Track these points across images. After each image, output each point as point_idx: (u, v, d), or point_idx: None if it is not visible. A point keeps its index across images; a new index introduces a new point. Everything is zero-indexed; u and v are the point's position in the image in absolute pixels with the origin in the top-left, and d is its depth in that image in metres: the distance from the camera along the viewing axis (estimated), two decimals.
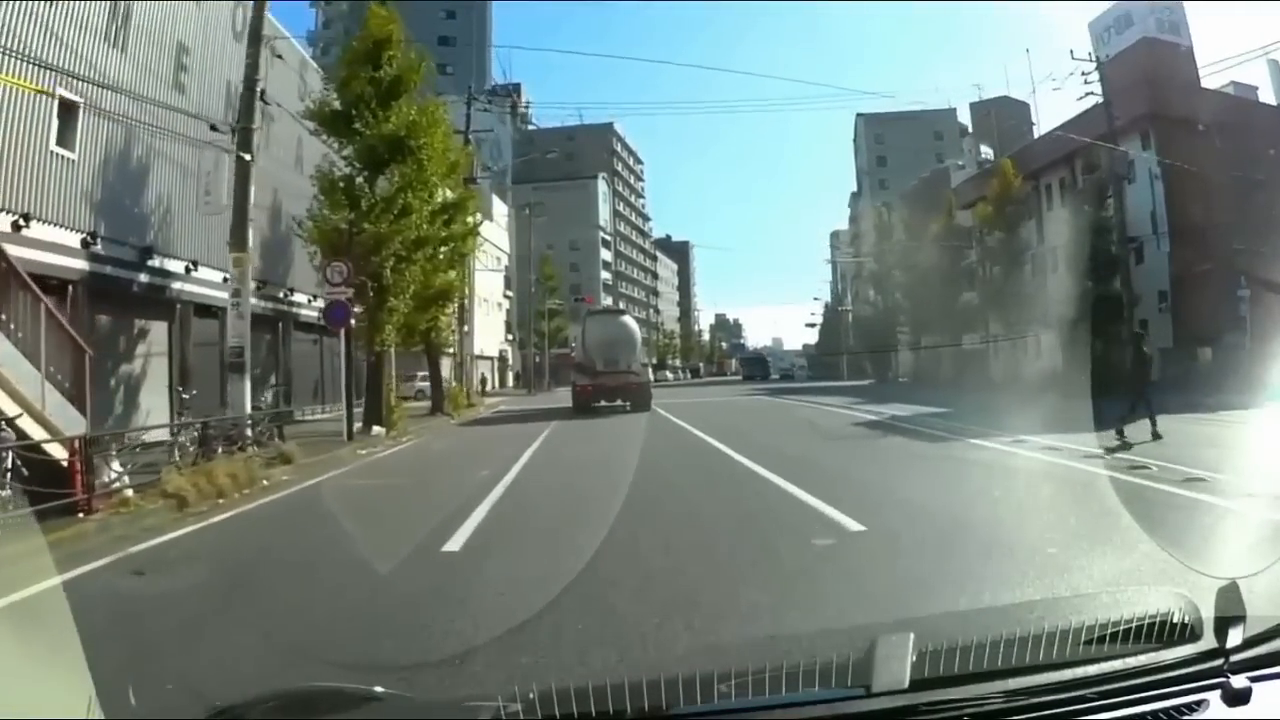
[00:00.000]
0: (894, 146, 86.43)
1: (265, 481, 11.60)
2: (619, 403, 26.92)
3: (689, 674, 1.71)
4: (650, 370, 35.78)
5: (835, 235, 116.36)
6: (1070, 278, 31.23)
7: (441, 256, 24.11)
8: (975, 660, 1.83)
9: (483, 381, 46.26)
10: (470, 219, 26.88)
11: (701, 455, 14.22)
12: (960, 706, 1.69)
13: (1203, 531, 6.72)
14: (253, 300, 16.15)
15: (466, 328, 34.16)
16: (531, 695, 1.67)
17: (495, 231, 56.34)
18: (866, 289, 68.30)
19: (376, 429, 19.02)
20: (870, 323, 61.14)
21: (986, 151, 60.23)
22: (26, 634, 4.16)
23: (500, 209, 61.59)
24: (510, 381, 62.90)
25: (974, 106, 74.68)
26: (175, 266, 18.92)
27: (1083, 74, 28.63)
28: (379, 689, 2.38)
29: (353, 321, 18.61)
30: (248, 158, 15.01)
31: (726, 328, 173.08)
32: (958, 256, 45.77)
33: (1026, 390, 24.51)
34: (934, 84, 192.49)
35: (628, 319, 30.97)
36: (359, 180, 19.92)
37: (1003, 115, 64.80)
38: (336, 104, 20.11)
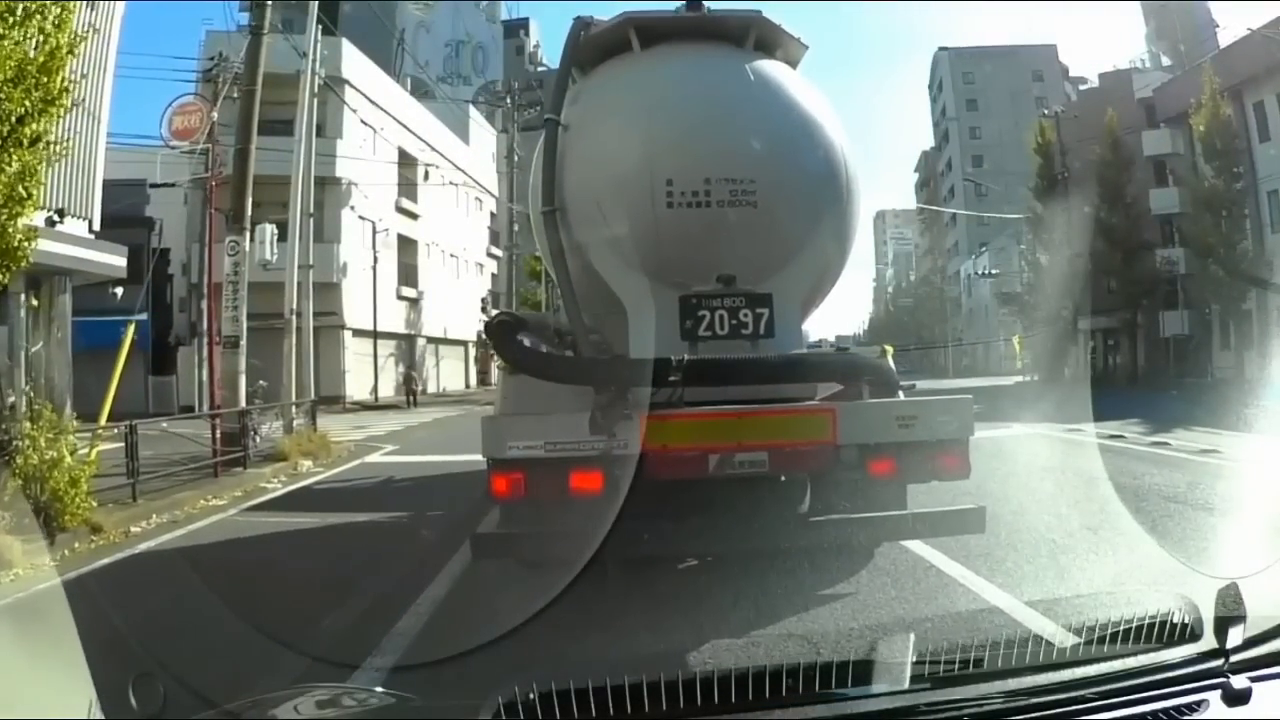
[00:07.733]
0: (985, 88, 70.64)
1: None
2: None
3: (689, 675, 1.71)
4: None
5: (881, 215, 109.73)
6: None
7: None
8: (975, 660, 1.84)
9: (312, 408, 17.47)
10: None
11: None
12: (960, 706, 1.70)
13: None
14: None
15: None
16: (532, 696, 1.67)
17: (472, 159, 42.55)
18: (970, 255, 56.76)
19: None
20: (1011, 299, 43.10)
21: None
22: (27, 634, 4.17)
23: (482, 134, 45.63)
24: (494, 377, 38.96)
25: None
26: None
27: None
28: (379, 689, 2.39)
29: None
30: None
31: None
32: (1227, 178, 29.50)
33: None
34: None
35: (778, 70, 5.33)
36: None
37: (1178, 12, 51.96)
38: None
